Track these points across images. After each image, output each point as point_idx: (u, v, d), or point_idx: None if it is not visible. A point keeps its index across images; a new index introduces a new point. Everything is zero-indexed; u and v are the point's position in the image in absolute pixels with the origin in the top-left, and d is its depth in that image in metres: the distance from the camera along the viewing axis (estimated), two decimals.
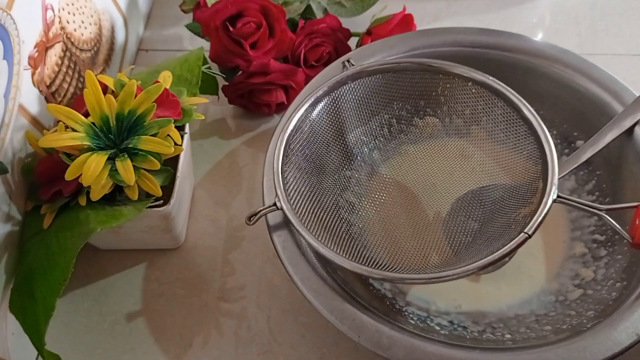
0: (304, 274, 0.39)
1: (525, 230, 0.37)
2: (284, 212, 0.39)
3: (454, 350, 0.37)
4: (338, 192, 0.46)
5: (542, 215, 0.37)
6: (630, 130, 0.43)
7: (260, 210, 0.40)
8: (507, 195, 0.43)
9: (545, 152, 0.40)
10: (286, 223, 0.41)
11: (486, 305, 0.44)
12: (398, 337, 0.37)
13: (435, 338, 0.38)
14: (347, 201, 0.47)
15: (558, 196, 0.38)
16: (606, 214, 0.37)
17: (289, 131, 0.43)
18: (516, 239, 0.37)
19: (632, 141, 0.44)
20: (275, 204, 0.40)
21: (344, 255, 0.39)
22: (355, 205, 0.47)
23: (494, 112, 0.44)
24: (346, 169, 0.48)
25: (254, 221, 0.40)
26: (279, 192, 0.40)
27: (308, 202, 0.42)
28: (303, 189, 0.43)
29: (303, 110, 0.44)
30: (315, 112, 0.45)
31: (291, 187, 0.42)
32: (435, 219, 0.45)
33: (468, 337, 0.40)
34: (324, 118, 0.46)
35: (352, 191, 0.47)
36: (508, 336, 0.40)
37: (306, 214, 0.41)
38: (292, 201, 0.40)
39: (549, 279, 0.44)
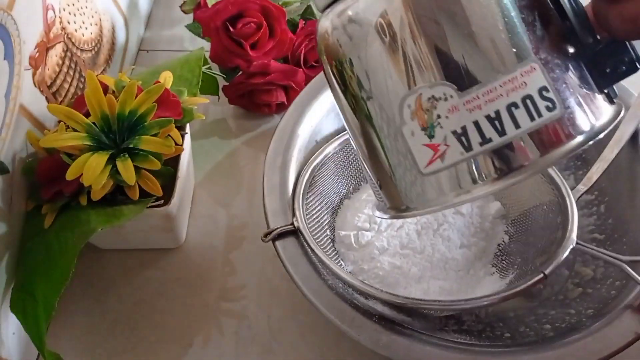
0: (304, 274, 0.39)
1: (542, 270, 0.38)
2: (300, 233, 0.41)
3: (454, 351, 0.37)
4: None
5: (561, 260, 0.38)
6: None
7: (277, 228, 0.41)
8: (527, 248, 0.44)
9: (566, 203, 0.41)
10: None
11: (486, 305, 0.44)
12: (398, 336, 0.37)
13: (435, 337, 0.38)
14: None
15: (577, 243, 0.39)
16: (628, 265, 0.38)
17: (318, 160, 0.46)
18: (534, 278, 0.37)
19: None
20: (292, 224, 0.41)
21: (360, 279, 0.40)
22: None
23: None
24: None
25: (270, 239, 0.41)
26: (297, 214, 0.41)
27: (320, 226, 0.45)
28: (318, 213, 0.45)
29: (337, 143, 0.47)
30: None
31: (309, 210, 0.43)
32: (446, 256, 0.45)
33: (467, 335, 0.41)
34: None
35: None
36: (507, 335, 0.40)
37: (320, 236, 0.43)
38: (307, 223, 0.42)
39: (548, 278, 0.44)
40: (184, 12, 0.59)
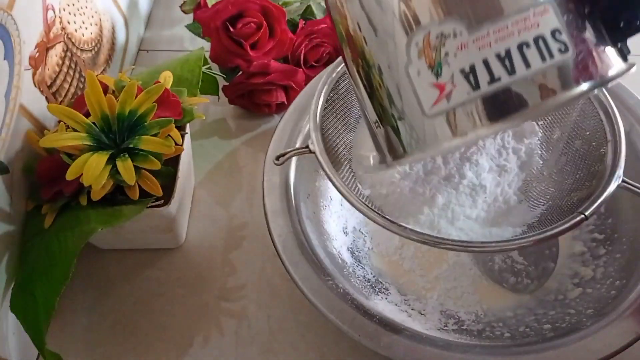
0: (304, 274, 0.39)
1: (582, 211, 0.34)
2: (315, 156, 0.38)
3: (454, 351, 0.37)
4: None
5: (604, 197, 0.34)
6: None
7: (291, 151, 0.39)
8: (562, 179, 0.41)
9: (615, 132, 0.37)
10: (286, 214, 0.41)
11: (486, 304, 0.44)
12: (398, 336, 0.37)
13: (435, 337, 0.38)
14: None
15: (623, 180, 0.35)
16: None
17: (334, 81, 0.42)
18: (572, 219, 0.34)
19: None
20: (307, 147, 0.39)
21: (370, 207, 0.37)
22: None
23: None
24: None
25: (282, 161, 0.39)
26: (313, 136, 0.39)
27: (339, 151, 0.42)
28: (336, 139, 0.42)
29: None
30: None
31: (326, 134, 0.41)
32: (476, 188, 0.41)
33: (467, 335, 0.41)
34: None
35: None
36: (507, 335, 0.40)
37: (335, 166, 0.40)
38: (325, 143, 0.39)
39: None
40: (184, 12, 0.59)
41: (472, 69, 0.25)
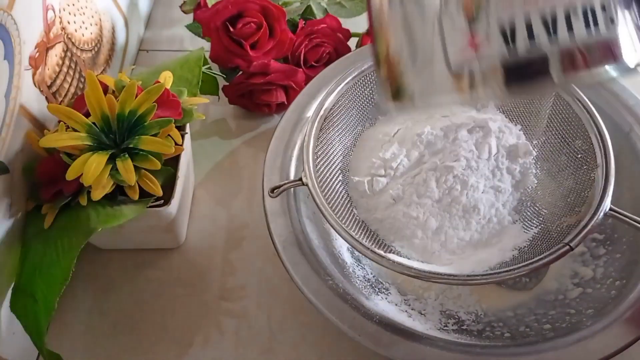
0: (304, 274, 0.39)
1: (568, 242, 0.35)
2: (308, 188, 0.39)
3: (454, 351, 0.37)
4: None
5: (589, 228, 0.35)
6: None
7: (285, 184, 0.40)
8: (554, 200, 0.41)
9: (607, 157, 0.38)
10: (286, 213, 0.41)
11: (486, 304, 0.44)
12: (398, 336, 0.37)
13: (435, 337, 0.38)
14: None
15: (610, 209, 0.36)
16: None
17: (323, 110, 0.43)
18: (558, 250, 0.35)
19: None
20: (300, 179, 0.40)
21: (365, 241, 0.38)
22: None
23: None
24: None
25: (277, 194, 0.40)
26: (306, 168, 0.40)
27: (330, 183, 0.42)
28: (328, 170, 0.43)
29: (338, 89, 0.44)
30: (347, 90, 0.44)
31: (319, 165, 0.41)
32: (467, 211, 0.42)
33: (467, 335, 0.41)
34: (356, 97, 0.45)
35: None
36: (507, 335, 0.40)
37: (330, 193, 0.41)
38: (318, 179, 0.40)
39: (548, 277, 0.44)
40: (184, 12, 0.59)
41: (512, 25, 0.24)
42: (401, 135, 0.45)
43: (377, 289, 0.43)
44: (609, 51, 0.24)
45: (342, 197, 0.43)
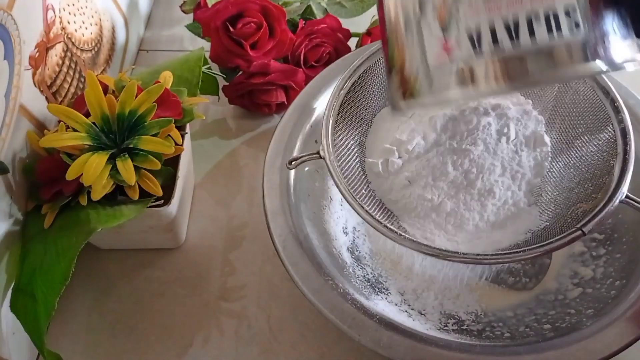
0: (304, 274, 0.39)
1: (581, 226, 0.35)
2: (325, 162, 0.39)
3: (454, 351, 0.37)
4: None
5: (604, 214, 0.35)
6: None
7: (303, 156, 0.40)
8: (572, 186, 0.41)
9: (627, 145, 0.38)
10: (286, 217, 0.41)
11: (485, 304, 0.44)
12: (398, 336, 0.37)
13: (435, 337, 0.38)
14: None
15: (627, 196, 0.36)
16: None
17: (347, 82, 0.43)
18: (570, 234, 0.35)
19: None
20: (318, 152, 0.40)
21: (376, 215, 0.38)
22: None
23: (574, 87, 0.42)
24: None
25: (295, 165, 0.40)
26: (324, 142, 0.40)
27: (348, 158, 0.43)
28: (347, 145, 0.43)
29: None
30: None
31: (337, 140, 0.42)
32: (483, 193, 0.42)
33: (467, 335, 0.41)
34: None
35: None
36: (507, 335, 0.40)
37: (347, 169, 0.42)
38: (335, 153, 0.41)
39: (548, 277, 0.44)
40: (184, 12, 0.59)
41: (478, 31, 0.26)
42: (418, 116, 0.44)
43: (377, 289, 0.43)
44: (583, 53, 0.26)
45: (359, 173, 0.43)
